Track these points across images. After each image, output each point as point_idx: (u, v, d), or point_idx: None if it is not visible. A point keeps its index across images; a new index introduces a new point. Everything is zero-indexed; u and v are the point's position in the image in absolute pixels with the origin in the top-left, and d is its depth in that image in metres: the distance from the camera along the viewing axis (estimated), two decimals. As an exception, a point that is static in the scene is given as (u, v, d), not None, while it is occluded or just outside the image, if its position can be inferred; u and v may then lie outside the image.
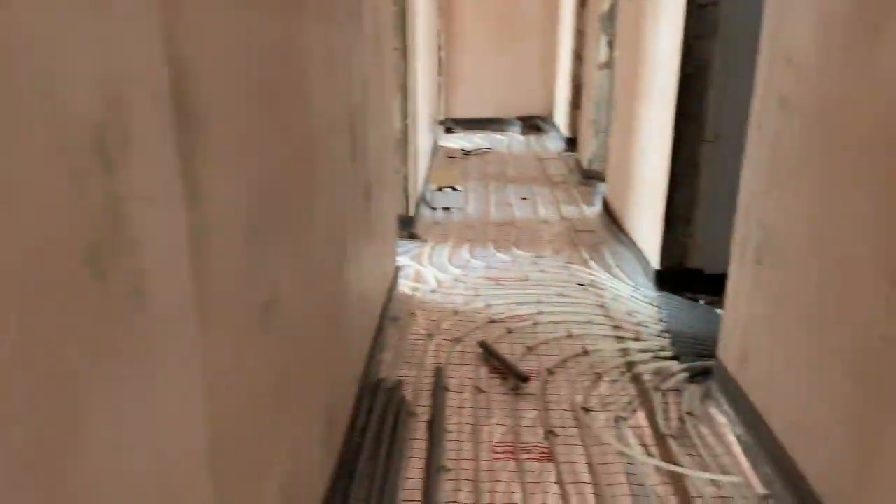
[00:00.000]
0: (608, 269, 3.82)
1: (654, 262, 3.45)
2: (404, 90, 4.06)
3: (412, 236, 4.34)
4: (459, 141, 7.86)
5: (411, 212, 4.33)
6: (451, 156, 7.01)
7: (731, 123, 3.20)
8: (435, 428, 2.30)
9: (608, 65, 5.44)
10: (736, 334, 2.32)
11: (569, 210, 5.05)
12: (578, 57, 6.73)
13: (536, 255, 4.08)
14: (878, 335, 1.48)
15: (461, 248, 4.20)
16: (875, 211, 1.51)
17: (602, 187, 5.27)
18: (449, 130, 8.37)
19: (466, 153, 7.13)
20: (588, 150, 5.64)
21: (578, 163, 6.04)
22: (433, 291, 3.50)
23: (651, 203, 3.53)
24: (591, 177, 5.65)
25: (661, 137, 3.38)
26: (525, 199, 5.39)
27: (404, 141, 4.16)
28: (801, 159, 1.88)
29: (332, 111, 1.77)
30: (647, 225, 3.62)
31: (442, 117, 8.42)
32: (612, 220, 4.38)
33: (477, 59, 8.34)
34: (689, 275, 3.40)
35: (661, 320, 3.13)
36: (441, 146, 7.48)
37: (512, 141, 7.94)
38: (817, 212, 1.77)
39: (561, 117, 7.59)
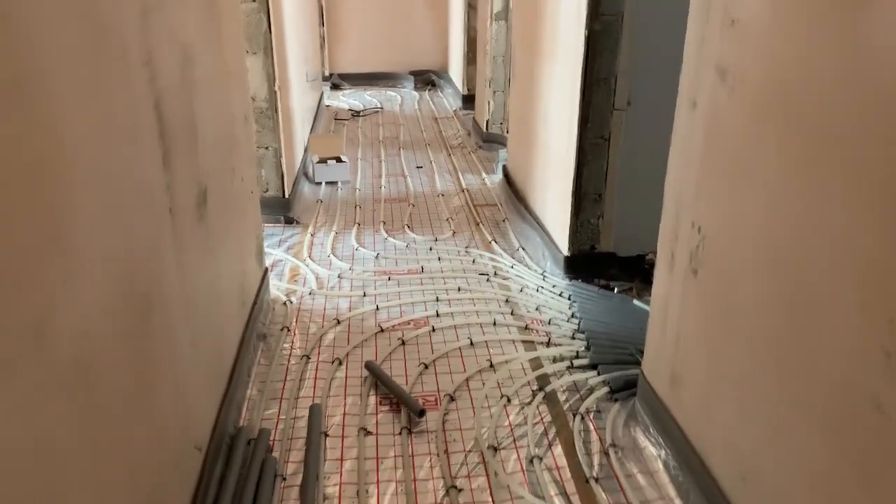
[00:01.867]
0: (512, 253, 3.40)
1: (563, 245, 3.06)
2: (268, 49, 3.40)
3: (289, 221, 3.75)
4: (347, 99, 7.19)
5: (287, 192, 3.73)
6: (339, 118, 6.35)
7: (646, 88, 2.81)
8: (308, 495, 1.81)
9: (503, 15, 4.95)
10: (665, 351, 1.95)
11: (468, 180, 4.59)
12: (471, 5, 6.19)
13: (433, 238, 3.61)
14: (869, 398, 1.12)
15: (347, 233, 3.66)
16: (862, 227, 1.12)
17: (503, 153, 4.83)
18: (336, 87, 7.67)
19: (355, 114, 6.49)
20: (486, 110, 5.17)
21: (476, 124, 5.57)
22: (312, 294, 2.97)
23: (557, 179, 3.12)
24: (490, 140, 5.20)
25: (567, 104, 2.94)
26: (420, 167, 4.88)
27: (272, 110, 3.53)
28: (749, 148, 1.48)
29: (106, 107, 1.19)
30: (553, 203, 3.22)
31: (327, 73, 7.69)
32: (515, 192, 3.96)
33: (363, 8, 7.61)
34: (600, 259, 3.04)
35: (574, 316, 2.75)
36: (327, 106, 6.80)
37: (405, 98, 7.35)
38: (773, 217, 1.38)
39: (456, 72, 7.06)
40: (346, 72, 7.79)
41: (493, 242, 3.53)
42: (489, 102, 5.13)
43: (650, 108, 2.87)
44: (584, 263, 3.03)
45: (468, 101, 6.54)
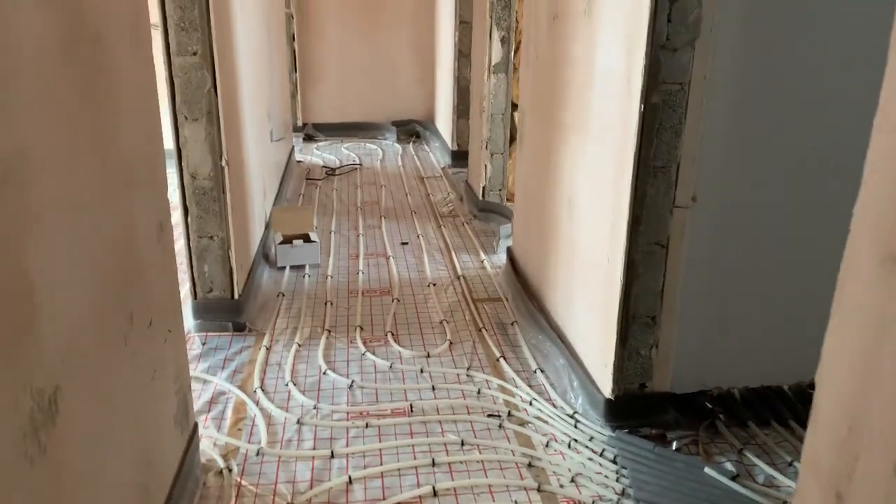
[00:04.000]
0: (529, 379, 2.62)
1: (604, 383, 2.29)
2: (212, 114, 2.64)
3: (239, 328, 2.94)
4: (322, 154, 6.43)
5: (237, 292, 2.92)
6: (311, 177, 5.58)
7: (716, 178, 2.09)
8: None
9: (503, 67, 4.25)
10: None
11: (464, 262, 3.82)
12: (463, 54, 5.51)
13: (425, 352, 2.81)
14: None
15: (313, 345, 2.85)
16: None
17: (504, 228, 4.09)
18: (309, 138, 6.92)
19: (330, 171, 5.73)
20: (482, 175, 4.44)
21: (470, 189, 4.84)
22: (261, 454, 2.15)
23: (591, 291, 2.36)
24: (487, 210, 4.46)
25: (607, 196, 2.20)
26: (406, 244, 4.10)
27: (218, 190, 2.75)
28: None
29: None
30: (585, 321, 2.45)
31: (300, 123, 6.95)
32: (524, 286, 3.19)
33: (341, 52, 6.92)
34: (652, 402, 2.27)
35: (626, 494, 1.97)
36: (298, 162, 6.03)
37: (387, 152, 6.61)
38: None
39: (444, 125, 6.36)
40: (321, 121, 7.06)
41: (501, 360, 2.75)
42: (486, 166, 4.41)
43: (720, 205, 2.15)
44: (632, 407, 2.25)
45: (458, 158, 5.82)
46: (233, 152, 2.93)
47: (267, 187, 4.05)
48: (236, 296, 2.93)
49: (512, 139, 4.44)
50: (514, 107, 4.42)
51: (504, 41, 4.18)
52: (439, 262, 3.82)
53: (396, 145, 6.82)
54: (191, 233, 2.78)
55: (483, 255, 3.90)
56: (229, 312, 2.92)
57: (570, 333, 2.62)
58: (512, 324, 3.06)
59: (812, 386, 0.78)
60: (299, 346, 2.84)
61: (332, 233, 4.25)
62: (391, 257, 3.86)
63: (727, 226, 2.18)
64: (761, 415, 2.33)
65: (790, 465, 2.12)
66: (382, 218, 4.56)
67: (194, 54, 2.56)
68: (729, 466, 2.09)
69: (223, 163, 2.73)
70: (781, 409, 2.36)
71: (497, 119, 4.32)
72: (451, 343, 2.89)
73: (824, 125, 2.11)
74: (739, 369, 2.38)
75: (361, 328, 3.01)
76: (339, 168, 5.86)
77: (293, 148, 6.06)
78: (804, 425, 2.26)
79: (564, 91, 2.59)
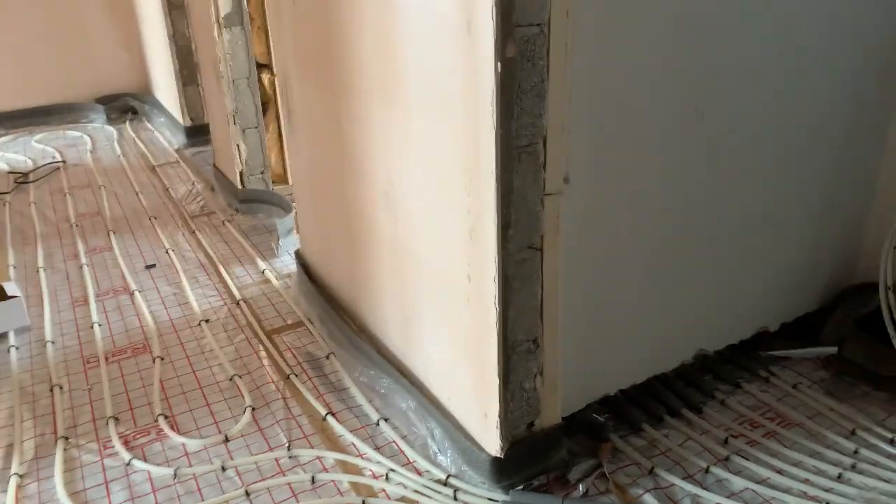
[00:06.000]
0: (373, 435, 1.97)
1: (487, 439, 1.72)
2: None
3: None
4: (5, 154, 4.85)
5: None
6: (-7, 190, 4.13)
7: (582, 151, 1.59)
8: None
9: (238, 19, 3.34)
10: None
11: (240, 277, 2.97)
12: (175, 5, 4.39)
13: (221, 436, 2.00)
14: None
15: (45, 469, 1.88)
16: None
17: (282, 223, 3.28)
18: (-17, 135, 5.23)
19: (21, 179, 4.30)
20: (238, 157, 3.53)
21: (221, 174, 3.89)
22: None
23: (448, 318, 1.75)
24: (251, 199, 3.58)
25: (454, 192, 1.58)
26: (152, 266, 3.11)
27: None
28: None
29: None
30: (443, 355, 1.84)
31: (-37, 116, 5.21)
32: (331, 302, 2.49)
33: (8, 22, 5.24)
34: (545, 442, 1.77)
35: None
36: (-29, 170, 4.46)
37: (97, 139, 5.20)
38: None
39: (168, 96, 5.16)
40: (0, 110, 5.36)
41: (329, 418, 2.05)
42: (239, 146, 3.51)
43: (593, 184, 1.66)
44: (522, 456, 1.73)
45: (195, 133, 4.75)
46: None
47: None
48: None
49: (265, 108, 3.59)
50: (261, 67, 3.55)
51: (233, -15, 3.25)
52: (205, 284, 2.92)
53: (108, 128, 5.44)
54: None
55: (262, 263, 3.07)
56: None
57: (416, 366, 2.00)
58: (327, 357, 2.36)
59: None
60: (21, 477, 1.85)
61: (41, 270, 3.08)
62: (136, 291, 2.86)
63: (601, 209, 1.70)
64: (652, 411, 1.98)
65: (707, 471, 1.79)
66: (111, 234, 3.44)
67: None
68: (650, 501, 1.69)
69: None
70: (670, 397, 2.03)
71: (241, 85, 3.42)
72: (253, 410, 2.11)
73: (722, 68, 1.72)
74: (623, 368, 2.00)
75: (116, 419, 2.08)
76: (33, 171, 4.43)
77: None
78: (695, 409, 1.93)
79: (352, 46, 1.87)
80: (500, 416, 1.64)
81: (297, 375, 2.27)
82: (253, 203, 3.58)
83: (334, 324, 2.41)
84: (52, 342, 2.50)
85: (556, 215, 1.56)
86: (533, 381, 1.69)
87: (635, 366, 2.02)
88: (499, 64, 1.32)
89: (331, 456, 1.90)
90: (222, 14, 3.29)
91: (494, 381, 1.61)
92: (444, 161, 1.58)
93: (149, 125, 5.53)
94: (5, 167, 4.54)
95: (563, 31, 1.39)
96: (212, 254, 3.18)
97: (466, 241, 1.57)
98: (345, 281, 2.40)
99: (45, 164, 4.53)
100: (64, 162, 4.62)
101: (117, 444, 1.97)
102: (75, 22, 5.47)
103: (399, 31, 1.63)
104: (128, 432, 2.03)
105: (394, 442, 1.94)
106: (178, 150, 4.81)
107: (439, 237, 1.69)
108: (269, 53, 3.54)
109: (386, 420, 2.02)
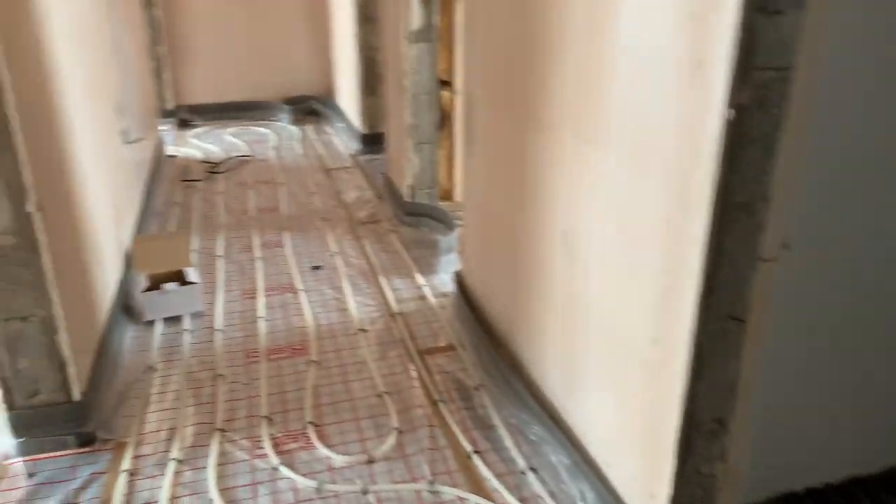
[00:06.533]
0: (519, 485, 1.85)
1: (646, 514, 1.55)
2: (5, 143, 1.64)
3: (87, 442, 1.99)
4: (201, 143, 5.29)
5: (77, 390, 1.96)
6: (187, 178, 4.49)
7: (809, 212, 1.37)
8: None
9: (427, 35, 3.37)
10: None
11: (398, 290, 2.97)
12: (368, 18, 4.56)
13: (364, 455, 1.97)
14: None
15: (200, 459, 1.95)
16: None
17: (445, 241, 3.26)
18: (184, 124, 5.75)
19: (212, 169, 4.66)
20: (408, 171, 3.57)
21: (391, 183, 3.96)
22: None
23: (622, 381, 1.59)
24: (417, 213, 3.61)
25: (651, 247, 1.42)
26: (318, 267, 3.20)
27: (28, 250, 1.76)
28: None
29: None
30: (608, 416, 1.68)
31: (171, 106, 5.76)
32: (487, 330, 2.41)
33: (217, 19, 5.74)
34: (718, 533, 1.56)
35: None
36: (171, 157, 4.91)
37: (282, 136, 5.55)
38: None
39: (350, 103, 5.39)
40: (198, 103, 5.89)
41: (473, 457, 1.95)
42: (412, 159, 3.54)
43: (818, 252, 1.43)
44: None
45: (370, 142, 4.90)
46: (50, 187, 1.93)
47: (123, 208, 3.02)
48: (76, 396, 1.96)
49: (441, 124, 3.60)
50: (441, 84, 3.56)
51: (425, 1, 3.29)
52: (365, 291, 2.96)
53: (292, 128, 5.77)
54: (-14, 316, 1.79)
55: (420, 278, 3.06)
56: (68, 422, 1.96)
57: (574, 420, 1.85)
58: (476, 388, 2.27)
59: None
60: (179, 462, 1.93)
61: (219, 258, 3.28)
62: (300, 291, 2.95)
63: (825, 279, 1.47)
64: (848, 520, 1.69)
65: None
66: (284, 231, 3.61)
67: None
68: None
69: (30, 208, 1.74)
70: (870, 507, 1.72)
71: (422, 100, 3.45)
72: (399, 431, 2.07)
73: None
74: (815, 461, 1.72)
75: (270, 419, 2.12)
76: (223, 162, 4.79)
77: (161, 140, 4.94)
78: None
79: (548, 77, 1.77)
80: (669, 500, 1.46)
81: (445, 403, 2.20)
82: (418, 216, 3.60)
83: (488, 354, 2.32)
84: (220, 330, 2.63)
85: (769, 285, 1.35)
86: (712, 466, 1.48)
87: (832, 461, 1.73)
88: (731, 111, 1.15)
89: (474, 500, 1.80)
90: (411, 28, 3.34)
91: (668, 461, 1.43)
92: (640, 210, 1.43)
93: (327, 129, 5.81)
94: (200, 155, 4.95)
95: (810, 77, 1.20)
96: (373, 263, 3.22)
97: (657, 301, 1.40)
98: (503, 311, 2.30)
99: (234, 158, 4.88)
100: (250, 156, 4.95)
101: (267, 447, 2.00)
102: (277, 28, 5.87)
103: (606, 65, 1.50)
104: (278, 435, 2.06)
105: (540, 497, 1.81)
106: (352, 156, 4.98)
107: (622, 291, 1.54)
108: (450, 71, 3.55)
109: (534, 471, 1.89)
